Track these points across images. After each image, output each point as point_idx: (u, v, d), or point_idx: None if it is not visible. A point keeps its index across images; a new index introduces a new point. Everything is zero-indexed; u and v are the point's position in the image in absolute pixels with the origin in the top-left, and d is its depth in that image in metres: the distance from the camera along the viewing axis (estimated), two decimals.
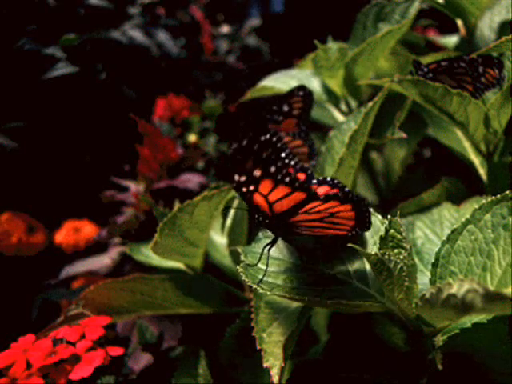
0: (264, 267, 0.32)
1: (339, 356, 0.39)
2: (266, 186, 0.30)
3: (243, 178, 0.29)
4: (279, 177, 0.30)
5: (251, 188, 0.30)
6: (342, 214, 0.31)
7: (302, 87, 0.47)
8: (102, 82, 0.73)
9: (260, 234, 0.35)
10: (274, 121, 0.47)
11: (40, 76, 0.66)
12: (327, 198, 0.31)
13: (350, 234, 0.32)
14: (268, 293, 0.29)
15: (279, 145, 0.29)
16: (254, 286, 0.29)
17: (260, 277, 0.31)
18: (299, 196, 0.30)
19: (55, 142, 0.73)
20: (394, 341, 0.38)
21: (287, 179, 0.30)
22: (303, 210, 0.31)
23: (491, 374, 0.32)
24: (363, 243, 0.33)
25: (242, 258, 0.32)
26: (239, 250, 0.34)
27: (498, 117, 0.38)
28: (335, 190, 0.31)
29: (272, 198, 0.30)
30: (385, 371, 0.36)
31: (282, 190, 0.30)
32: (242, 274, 0.30)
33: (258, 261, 0.33)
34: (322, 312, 0.48)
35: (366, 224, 0.32)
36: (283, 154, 0.29)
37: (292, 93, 0.47)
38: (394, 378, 0.35)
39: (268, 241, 0.34)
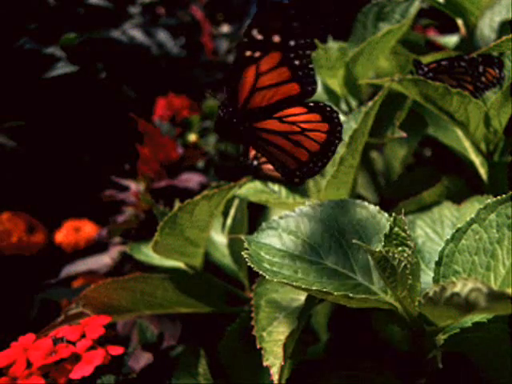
0: (267, 256, 0.32)
1: (339, 355, 0.39)
2: (270, 60, 0.28)
3: (260, 36, 0.27)
4: (292, 55, 0.28)
5: (256, 54, 0.28)
6: (313, 134, 0.30)
7: None
8: (102, 81, 0.73)
9: (263, 225, 0.35)
10: None
11: (40, 75, 0.66)
12: (312, 108, 0.30)
13: (304, 169, 0.32)
14: (274, 279, 0.28)
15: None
16: (261, 272, 0.29)
17: (265, 265, 0.31)
18: (293, 89, 0.29)
19: (55, 142, 0.73)
20: (395, 340, 0.38)
21: (297, 62, 0.28)
22: (283, 112, 0.30)
23: (491, 373, 0.32)
24: (367, 240, 0.33)
25: (246, 245, 0.32)
26: (242, 238, 0.34)
27: (498, 116, 0.38)
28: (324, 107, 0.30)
29: (263, 81, 0.28)
30: (385, 370, 0.36)
31: (280, 74, 0.28)
32: (247, 259, 0.30)
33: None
34: (323, 311, 0.48)
35: (328, 156, 0.31)
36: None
37: None
38: (394, 376, 0.35)
39: (271, 232, 0.34)
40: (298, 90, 0.30)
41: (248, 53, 0.28)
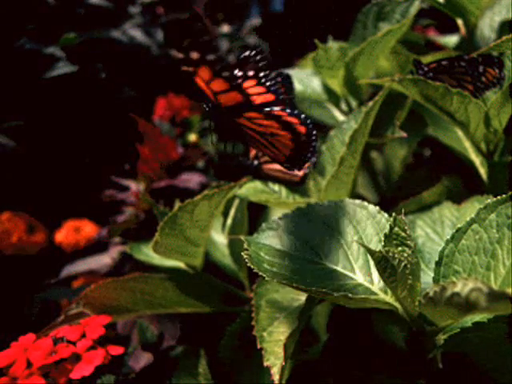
0: (267, 257, 0.32)
1: (340, 355, 0.39)
2: (204, 73, 0.29)
3: (181, 55, 0.29)
4: (218, 67, 0.29)
5: (190, 69, 0.29)
6: (280, 139, 0.32)
7: (278, 73, 0.46)
8: (102, 81, 0.73)
9: (263, 225, 0.35)
10: None
11: (40, 75, 0.66)
12: (269, 115, 0.31)
13: (287, 166, 0.33)
14: (274, 280, 0.28)
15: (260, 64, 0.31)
16: (260, 273, 0.29)
17: (265, 266, 0.31)
18: (236, 97, 0.31)
19: (55, 142, 0.73)
20: (394, 340, 0.38)
21: (225, 73, 0.29)
22: (246, 115, 0.31)
23: (491, 373, 0.32)
24: (367, 240, 0.33)
25: (245, 246, 0.32)
26: (242, 238, 0.34)
27: (499, 116, 0.38)
28: (284, 114, 0.31)
29: (214, 87, 0.30)
30: (384, 370, 0.36)
31: (220, 84, 0.30)
32: (247, 260, 0.30)
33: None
34: (323, 311, 0.48)
35: (299, 163, 0.33)
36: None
37: None
38: (394, 376, 0.35)
39: (271, 233, 0.34)
40: (241, 99, 0.31)
41: (184, 68, 0.30)
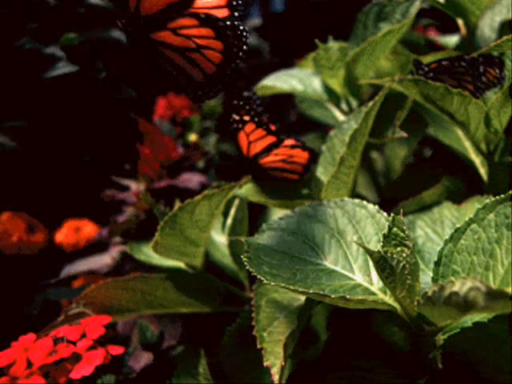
0: (266, 258, 0.32)
1: (339, 355, 0.39)
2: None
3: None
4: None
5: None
6: (208, 53, 0.32)
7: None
8: (102, 81, 0.73)
9: (263, 226, 0.35)
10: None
11: (40, 75, 0.66)
12: (204, 21, 0.30)
13: (199, 93, 0.35)
14: (272, 283, 0.28)
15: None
16: (259, 276, 0.29)
17: (264, 268, 0.31)
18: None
19: (56, 141, 0.73)
20: (394, 340, 0.38)
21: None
22: (176, 23, 0.30)
23: (491, 373, 0.32)
24: (367, 240, 0.33)
25: (245, 248, 0.32)
26: (242, 240, 0.34)
27: (499, 116, 0.38)
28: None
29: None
30: (385, 370, 0.36)
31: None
32: (245, 263, 0.30)
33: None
34: (323, 311, 0.48)
35: (224, 81, 0.34)
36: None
37: None
38: (394, 377, 0.35)
39: (271, 233, 0.34)
40: None
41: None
